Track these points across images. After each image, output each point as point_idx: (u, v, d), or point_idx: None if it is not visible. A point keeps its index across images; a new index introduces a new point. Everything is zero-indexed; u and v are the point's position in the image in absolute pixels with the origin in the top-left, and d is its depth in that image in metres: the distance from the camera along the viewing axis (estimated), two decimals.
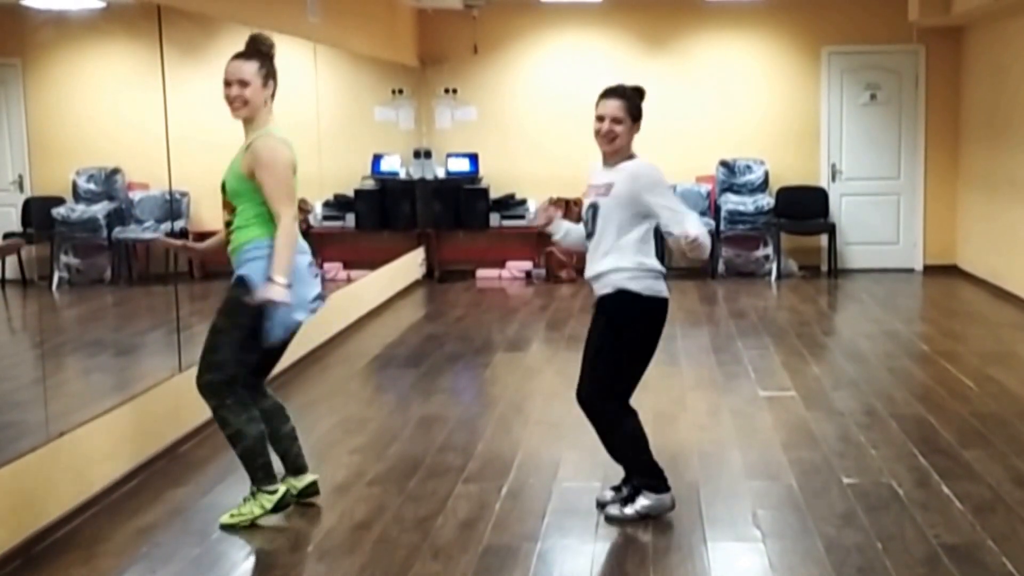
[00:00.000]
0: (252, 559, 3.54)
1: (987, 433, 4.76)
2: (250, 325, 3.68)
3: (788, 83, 9.96)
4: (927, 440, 4.66)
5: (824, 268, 9.78)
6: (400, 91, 9.71)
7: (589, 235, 3.77)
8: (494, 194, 9.94)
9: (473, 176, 9.89)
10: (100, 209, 5.83)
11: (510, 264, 9.88)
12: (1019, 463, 4.33)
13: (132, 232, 6.16)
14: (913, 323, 7.68)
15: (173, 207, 5.94)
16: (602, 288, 3.71)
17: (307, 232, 8.14)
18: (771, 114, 9.99)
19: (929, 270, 9.96)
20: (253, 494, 3.80)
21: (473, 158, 9.92)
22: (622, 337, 3.70)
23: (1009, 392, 5.52)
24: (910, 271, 9.96)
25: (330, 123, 8.05)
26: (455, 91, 10.06)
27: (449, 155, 9.94)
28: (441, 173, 9.91)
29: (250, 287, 3.68)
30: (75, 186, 5.67)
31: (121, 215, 6.04)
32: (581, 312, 8.17)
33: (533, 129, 10.00)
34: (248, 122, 3.76)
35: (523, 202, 9.94)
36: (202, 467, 4.49)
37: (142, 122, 5.27)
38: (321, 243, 8.36)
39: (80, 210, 5.67)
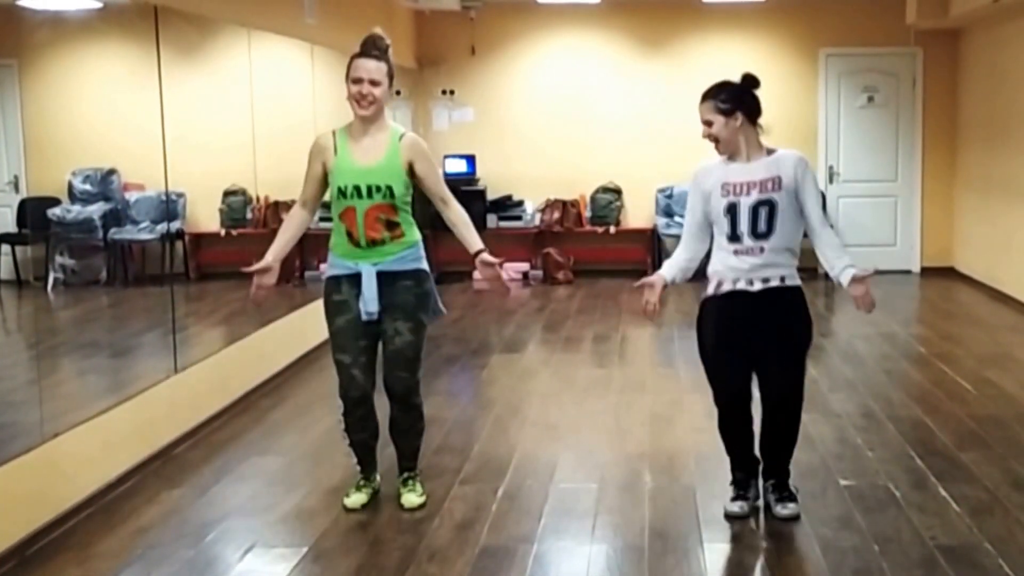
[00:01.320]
0: (247, 560, 3.53)
1: (984, 435, 4.75)
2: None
3: (785, 85, 9.96)
4: (924, 442, 4.66)
5: (821, 270, 9.77)
6: (397, 92, 9.67)
7: (757, 235, 3.58)
8: (491, 195, 9.93)
9: (470, 177, 9.89)
10: (96, 210, 5.82)
11: (507, 265, 9.79)
12: (1016, 465, 4.33)
13: (128, 233, 6.15)
14: (910, 325, 7.68)
15: (169, 208, 5.93)
16: (771, 283, 3.62)
17: (304, 233, 8.15)
18: (768, 116, 9.91)
19: (926, 272, 9.96)
20: (415, 477, 3.98)
21: (470, 159, 9.92)
22: (808, 331, 3.72)
23: (1006, 394, 5.52)
24: (907, 273, 9.97)
25: (327, 124, 8.02)
26: (452, 92, 10.06)
27: (446, 156, 9.93)
28: None
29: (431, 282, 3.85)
30: (71, 187, 5.66)
31: (117, 216, 6.02)
32: (578, 313, 8.17)
33: (530, 130, 10.00)
34: (369, 120, 3.75)
35: (520, 203, 9.94)
36: (197, 469, 4.47)
37: (138, 123, 5.27)
38: (318, 244, 8.34)
39: (76, 211, 5.66)
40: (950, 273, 9.80)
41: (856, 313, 3.79)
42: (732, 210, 3.61)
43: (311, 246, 8.31)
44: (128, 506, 4.01)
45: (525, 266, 9.97)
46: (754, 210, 3.58)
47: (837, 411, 5.21)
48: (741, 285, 3.63)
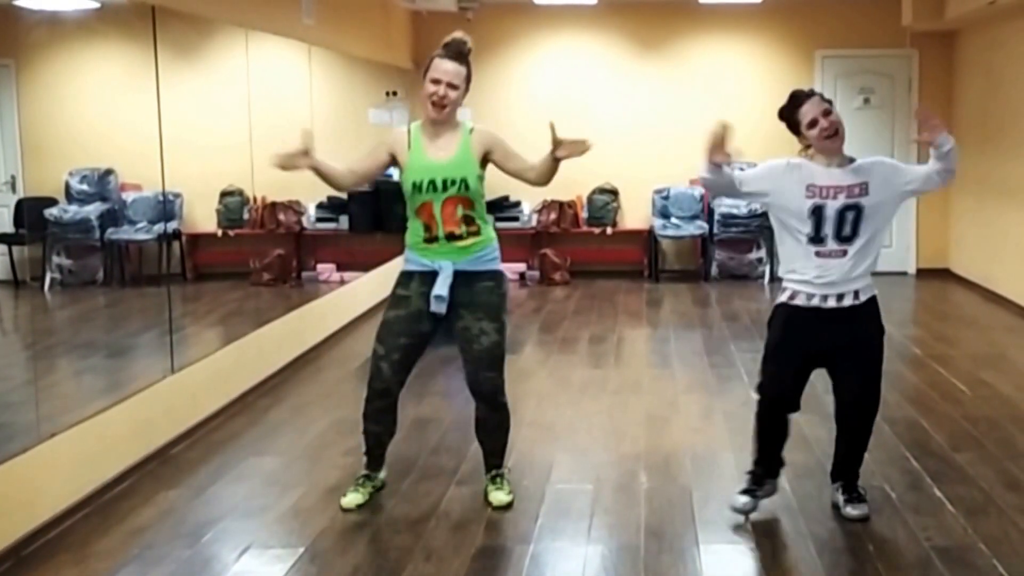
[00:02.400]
0: (244, 561, 3.53)
1: (979, 436, 4.77)
2: None
3: (782, 87, 9.84)
4: (919, 443, 4.68)
5: None
6: (394, 93, 9.71)
7: (842, 238, 3.58)
8: (488, 196, 9.79)
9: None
10: (93, 210, 5.82)
11: (504, 266, 9.86)
12: (1011, 466, 4.34)
13: (125, 233, 6.15)
14: (905, 326, 7.69)
15: (166, 208, 5.93)
16: (860, 295, 3.62)
17: (300, 234, 8.18)
18: (765, 118, 9.93)
19: (922, 274, 9.99)
20: (504, 476, 3.99)
21: None
22: (882, 336, 3.72)
23: (1001, 395, 5.54)
24: (903, 274, 9.99)
25: (324, 125, 8.04)
26: None
27: None
28: None
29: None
30: (68, 187, 5.66)
31: (114, 216, 6.03)
32: (574, 315, 8.18)
33: (527, 131, 9.91)
34: (441, 122, 3.77)
35: (517, 204, 9.95)
36: (194, 469, 4.48)
37: (135, 123, 5.27)
38: (314, 245, 8.36)
39: (73, 211, 5.66)
40: (945, 275, 9.83)
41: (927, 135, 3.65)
42: (817, 212, 3.59)
43: (307, 247, 8.35)
44: (125, 506, 4.01)
45: (522, 267, 9.98)
46: (840, 214, 3.58)
47: (832, 412, 5.22)
48: (816, 302, 3.62)
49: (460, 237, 3.76)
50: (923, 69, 9.92)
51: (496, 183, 10.90)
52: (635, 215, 10.18)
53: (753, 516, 3.82)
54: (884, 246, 10.43)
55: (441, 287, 3.71)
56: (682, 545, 3.58)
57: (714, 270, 9.83)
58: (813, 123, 3.63)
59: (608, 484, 4.20)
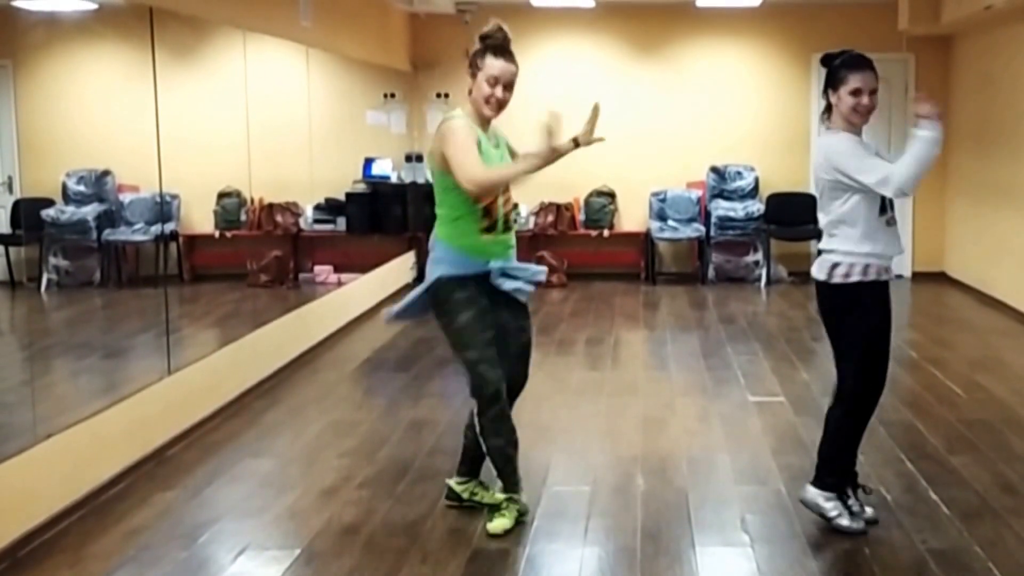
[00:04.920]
0: (240, 562, 3.53)
1: (974, 439, 4.78)
2: None
3: (778, 90, 10.00)
4: (915, 446, 4.68)
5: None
6: (392, 95, 9.72)
7: (893, 205, 3.65)
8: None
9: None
10: (90, 211, 5.82)
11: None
12: (1006, 469, 4.35)
13: (122, 234, 6.15)
14: (901, 329, 7.70)
15: (163, 209, 5.93)
16: (892, 272, 3.66)
17: (298, 235, 8.17)
18: (761, 120, 10.03)
19: (917, 277, 10.01)
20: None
21: None
22: None
23: (996, 398, 5.55)
24: (898, 277, 10.01)
25: (322, 126, 8.05)
26: (447, 95, 10.06)
27: None
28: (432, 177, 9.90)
29: None
30: (65, 188, 5.66)
31: (111, 217, 6.03)
32: (571, 317, 8.18)
33: (525, 133, 9.97)
34: (488, 121, 3.77)
35: (515, 206, 9.94)
36: (190, 470, 4.47)
37: (133, 124, 5.27)
38: (312, 246, 8.36)
39: (70, 212, 5.66)
40: (941, 278, 9.84)
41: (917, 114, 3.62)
42: None
43: (305, 249, 8.35)
44: (121, 507, 4.01)
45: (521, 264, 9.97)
46: None
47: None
48: (885, 276, 3.62)
49: (509, 228, 3.77)
50: (919, 73, 9.94)
51: None
52: (632, 218, 10.19)
53: (749, 518, 3.82)
54: None
55: (507, 275, 3.71)
56: (678, 547, 3.59)
57: (711, 273, 9.84)
58: (857, 92, 3.53)
59: (605, 486, 4.21)
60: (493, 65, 3.68)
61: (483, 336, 3.67)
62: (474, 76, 3.71)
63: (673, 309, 8.51)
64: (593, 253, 10.12)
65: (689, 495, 4.07)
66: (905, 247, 10.55)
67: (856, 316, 3.63)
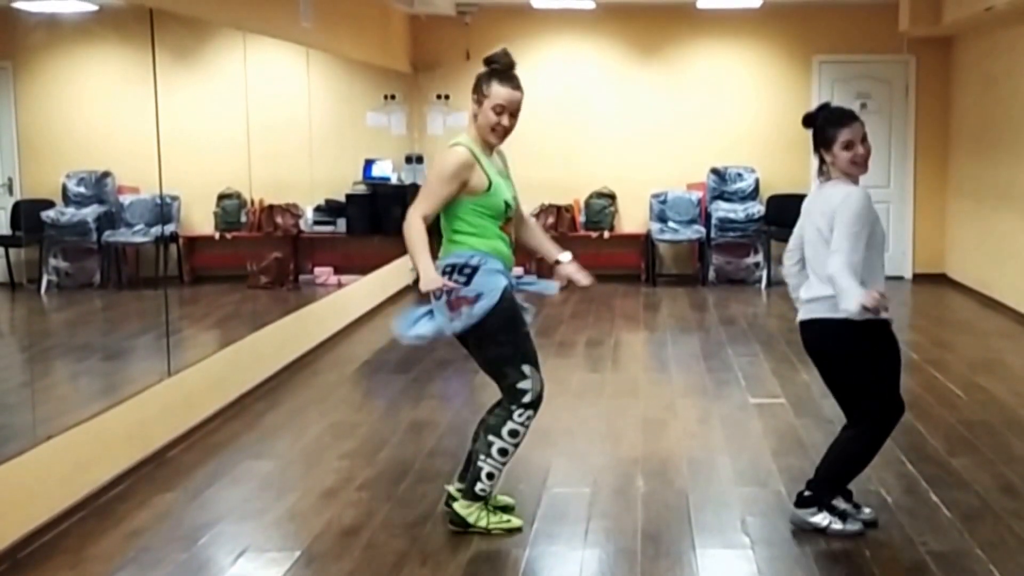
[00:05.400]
0: (240, 564, 3.53)
1: (975, 441, 4.78)
2: None
3: (779, 91, 10.00)
4: (915, 448, 4.68)
5: None
6: (392, 96, 9.72)
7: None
8: None
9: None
10: (90, 212, 5.81)
11: None
12: (1007, 471, 4.35)
13: (122, 236, 6.14)
14: (902, 331, 7.66)
15: (164, 211, 5.93)
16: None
17: (298, 236, 8.17)
18: (762, 122, 10.03)
19: (918, 278, 10.00)
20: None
21: None
22: None
23: (997, 400, 5.55)
24: (899, 279, 10.00)
25: (322, 128, 8.05)
26: (447, 97, 10.07)
27: None
28: None
29: None
30: (65, 189, 5.65)
31: (111, 219, 6.02)
32: (571, 318, 8.18)
33: (525, 135, 9.92)
34: (492, 146, 3.73)
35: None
36: (190, 472, 4.47)
37: (133, 126, 5.27)
38: (312, 248, 8.36)
39: (70, 213, 5.65)
40: (942, 279, 9.84)
41: None
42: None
43: (305, 250, 8.34)
44: (121, 509, 4.01)
45: (519, 271, 9.97)
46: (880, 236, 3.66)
47: (829, 416, 5.22)
48: (884, 314, 3.60)
49: (507, 244, 3.80)
50: (920, 75, 9.95)
51: None
52: (632, 219, 10.19)
53: (749, 520, 3.82)
54: None
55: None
56: (679, 549, 3.58)
57: (711, 274, 9.84)
58: (849, 145, 3.55)
59: (605, 488, 4.20)
60: (499, 93, 3.62)
61: (534, 347, 3.77)
62: (479, 103, 3.64)
63: (673, 311, 8.50)
64: (593, 255, 10.03)
65: (689, 497, 4.06)
66: (906, 249, 10.62)
67: (883, 347, 3.68)
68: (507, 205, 3.71)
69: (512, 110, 3.66)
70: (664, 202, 9.97)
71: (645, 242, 10.01)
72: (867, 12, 9.71)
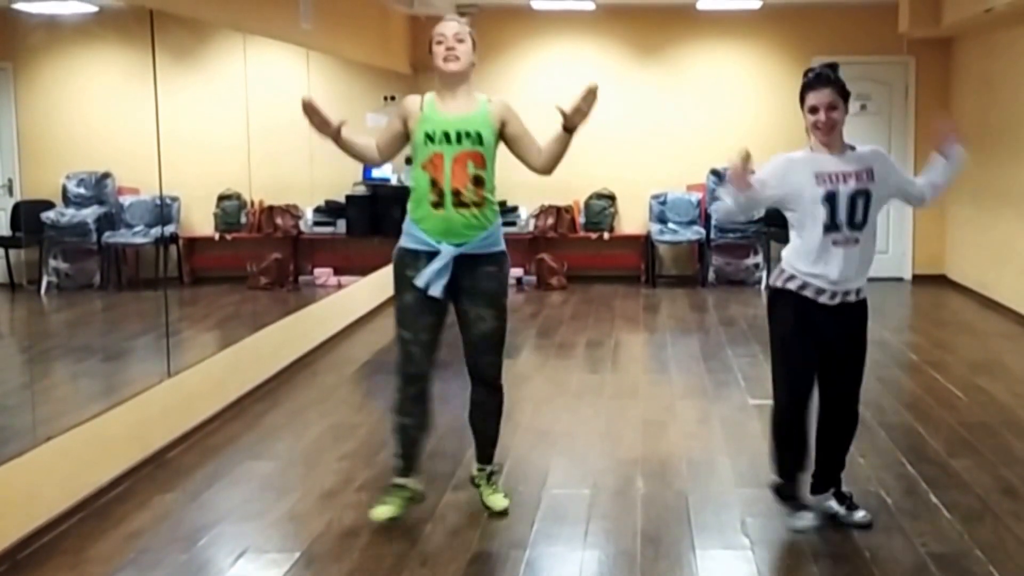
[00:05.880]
0: (240, 565, 3.53)
1: (975, 442, 4.78)
2: None
3: (779, 92, 9.98)
4: (915, 449, 4.68)
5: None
6: (392, 98, 9.71)
7: (854, 225, 3.55)
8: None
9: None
10: (90, 213, 5.81)
11: None
12: (1007, 472, 4.35)
13: (122, 237, 6.15)
14: (902, 332, 7.70)
15: (163, 212, 5.93)
16: (860, 293, 3.62)
17: (298, 237, 8.17)
18: (762, 123, 10.02)
19: (918, 280, 10.00)
20: (497, 473, 4.01)
21: None
22: (866, 339, 3.71)
23: (997, 401, 5.54)
24: (899, 280, 10.01)
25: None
26: None
27: None
28: None
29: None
30: (65, 190, 5.66)
31: (111, 219, 6.02)
32: (571, 319, 8.18)
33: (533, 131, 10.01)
34: (456, 80, 3.75)
35: (514, 209, 9.95)
36: (190, 473, 4.47)
37: (133, 127, 5.27)
38: (312, 249, 8.36)
39: (70, 214, 5.65)
40: (942, 281, 9.84)
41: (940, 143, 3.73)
42: (831, 199, 3.56)
43: (305, 251, 8.35)
44: (121, 510, 4.01)
45: (519, 272, 9.98)
46: (852, 199, 3.57)
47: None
48: (824, 299, 3.59)
49: (465, 204, 3.63)
50: (920, 76, 9.95)
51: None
52: (632, 220, 10.19)
53: (749, 521, 3.82)
54: (880, 252, 10.51)
55: (436, 282, 3.61)
56: (678, 551, 3.58)
57: (711, 275, 9.84)
58: (813, 110, 3.66)
59: (604, 489, 4.20)
60: (437, 29, 3.76)
61: (422, 320, 3.69)
62: (431, 51, 3.75)
63: (673, 312, 8.50)
64: (593, 256, 10.12)
65: (689, 498, 4.06)
66: (905, 250, 10.62)
67: (773, 323, 3.74)
68: (426, 136, 3.64)
69: (453, 33, 3.72)
70: (664, 203, 9.97)
71: (645, 243, 10.01)
72: (867, 13, 9.71)
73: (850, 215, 3.57)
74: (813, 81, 3.70)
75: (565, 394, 5.91)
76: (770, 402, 5.69)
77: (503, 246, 3.82)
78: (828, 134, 3.63)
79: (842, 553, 3.54)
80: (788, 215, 3.71)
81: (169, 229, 6.24)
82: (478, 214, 3.67)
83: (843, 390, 3.69)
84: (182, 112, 5.52)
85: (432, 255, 3.65)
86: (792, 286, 3.63)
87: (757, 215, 3.95)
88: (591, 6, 9.63)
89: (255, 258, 7.45)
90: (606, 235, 9.99)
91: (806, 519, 3.70)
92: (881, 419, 5.18)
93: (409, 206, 3.73)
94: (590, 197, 10.08)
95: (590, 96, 3.67)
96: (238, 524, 3.89)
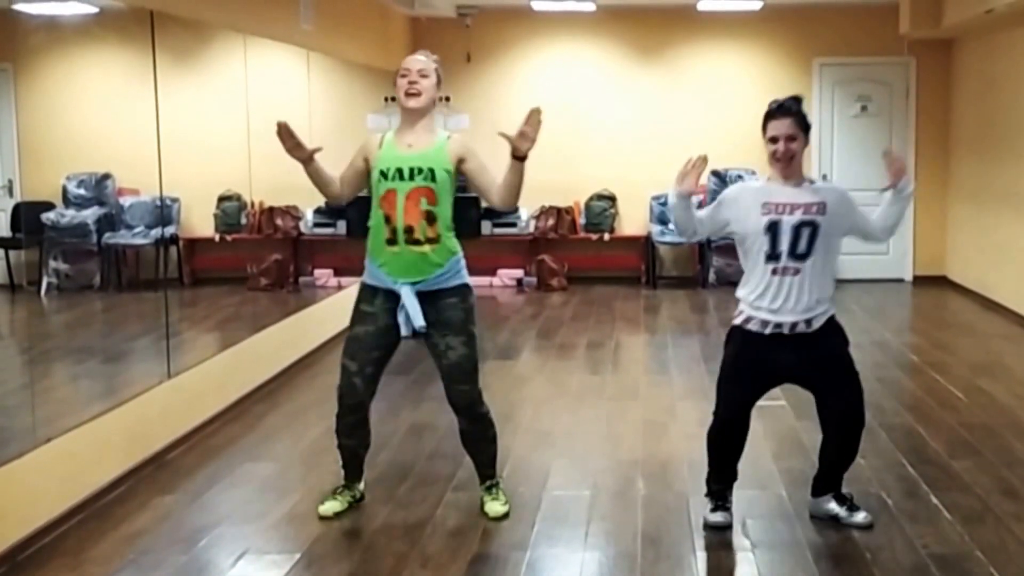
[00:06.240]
0: (240, 567, 3.52)
1: (976, 444, 4.77)
2: None
3: (779, 94, 9.84)
4: (916, 450, 4.67)
5: None
6: (393, 99, 9.67)
7: (796, 255, 3.57)
8: (486, 202, 9.93)
9: (465, 184, 9.88)
10: (90, 214, 5.82)
11: (501, 272, 9.88)
12: (1008, 474, 4.34)
13: (122, 238, 6.15)
14: (902, 333, 7.70)
15: (164, 213, 5.93)
16: (813, 323, 3.61)
17: (298, 239, 8.17)
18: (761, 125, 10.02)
19: (919, 281, 9.99)
20: (498, 485, 3.98)
21: None
22: (847, 345, 3.73)
23: (998, 403, 5.54)
24: (900, 282, 10.00)
25: (322, 130, 8.03)
26: (448, 99, 10.06)
27: None
28: None
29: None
30: (65, 191, 5.66)
31: (111, 221, 6.03)
32: (572, 321, 8.18)
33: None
34: (417, 115, 3.77)
35: (515, 210, 9.95)
36: (190, 474, 4.47)
37: (133, 128, 5.27)
38: (312, 250, 8.36)
39: (70, 215, 5.65)
40: (942, 282, 9.83)
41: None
42: (773, 228, 3.59)
43: (305, 252, 8.34)
44: (121, 511, 4.00)
45: (519, 273, 9.98)
46: (796, 230, 3.58)
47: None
48: (769, 330, 3.61)
49: (419, 241, 3.68)
50: (920, 77, 9.95)
51: None
52: (633, 221, 10.18)
53: (750, 523, 3.81)
54: (881, 253, 10.50)
55: (414, 314, 3.66)
56: (679, 552, 3.58)
57: (712, 277, 9.83)
58: (773, 140, 3.66)
59: (605, 491, 4.20)
60: (403, 63, 3.78)
61: (370, 354, 3.78)
62: (395, 83, 3.79)
63: (674, 313, 8.50)
64: (594, 257, 10.11)
65: (690, 499, 4.06)
66: (906, 251, 10.61)
67: (725, 350, 3.81)
68: (381, 174, 3.71)
69: (418, 69, 3.74)
70: (664, 204, 9.96)
71: (645, 244, 10.00)
72: (867, 14, 9.71)
73: (792, 245, 3.58)
74: (775, 111, 3.70)
75: (566, 395, 5.90)
76: (770, 404, 5.70)
77: (465, 279, 3.82)
78: (787, 165, 3.64)
79: (843, 554, 3.53)
80: (738, 249, 3.76)
81: (169, 230, 6.25)
82: (430, 252, 3.70)
83: (840, 408, 3.69)
84: (182, 113, 5.52)
85: (390, 293, 3.73)
86: (738, 321, 3.72)
87: (699, 237, 3.92)
88: (591, 7, 9.63)
89: (255, 259, 7.45)
90: (607, 236, 9.98)
91: (719, 517, 3.76)
92: (882, 420, 5.17)
93: (368, 244, 3.83)
94: (591, 198, 10.08)
95: (534, 119, 3.66)
96: (238, 525, 3.89)
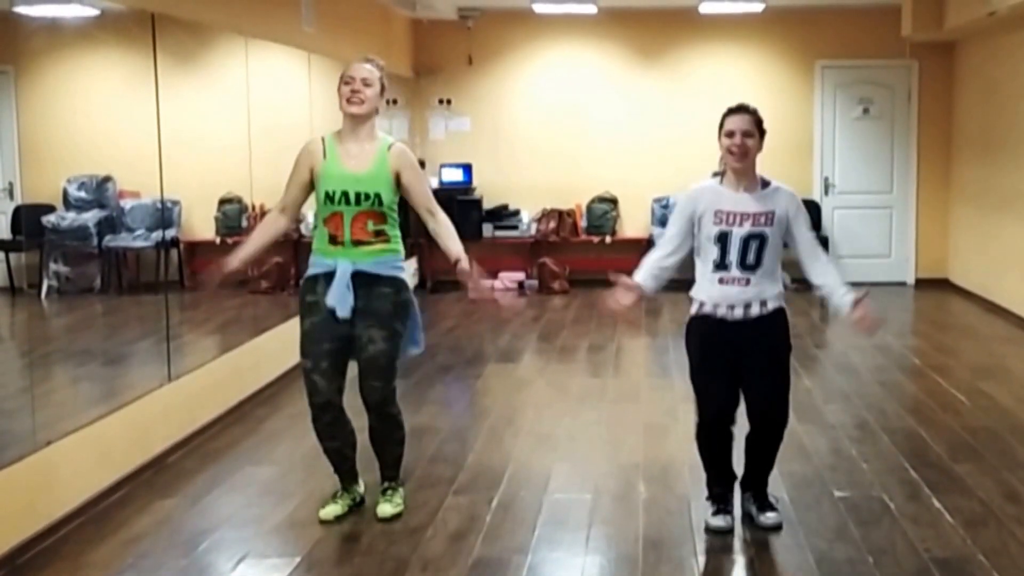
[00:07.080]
0: (240, 570, 3.51)
1: (978, 447, 4.76)
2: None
3: (781, 96, 9.98)
4: (918, 454, 4.66)
5: None
6: (394, 101, 9.70)
7: (746, 267, 3.62)
8: (487, 205, 9.93)
9: (467, 187, 9.89)
10: (91, 217, 5.80)
11: (503, 275, 9.87)
12: (1010, 477, 4.33)
13: (123, 240, 6.14)
14: (905, 336, 7.69)
15: (164, 216, 5.92)
16: (763, 310, 3.65)
17: (298, 241, 8.15)
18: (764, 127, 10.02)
19: (921, 284, 9.98)
20: (394, 487, 3.98)
21: (467, 168, 9.92)
22: (788, 346, 3.76)
23: (1000, 406, 5.53)
24: (902, 285, 9.98)
25: (323, 132, 8.04)
26: (449, 102, 10.07)
27: (443, 165, 9.94)
28: (435, 183, 9.90)
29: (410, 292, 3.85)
30: (66, 194, 5.64)
31: (112, 223, 6.01)
32: (573, 323, 8.17)
33: (527, 140, 10.01)
34: (359, 122, 3.77)
35: (516, 213, 9.95)
36: (190, 478, 4.46)
37: (134, 130, 5.27)
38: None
39: (70, 218, 5.64)
40: (944, 285, 9.82)
41: (850, 324, 3.81)
42: (723, 239, 3.63)
43: (305, 255, 8.33)
44: (120, 515, 4.00)
45: (521, 276, 9.97)
46: (745, 242, 3.61)
47: (831, 422, 5.22)
48: (722, 312, 3.66)
49: (368, 243, 3.74)
50: (922, 80, 9.94)
51: (495, 191, 10.92)
52: (634, 224, 10.18)
53: (751, 526, 3.80)
54: (883, 256, 10.48)
55: (339, 296, 3.66)
56: (680, 555, 3.57)
57: None
58: (730, 134, 3.67)
59: (606, 494, 4.19)
60: (347, 70, 3.81)
61: (320, 347, 3.74)
62: (339, 90, 3.81)
63: (675, 316, 8.47)
64: (595, 259, 10.09)
65: (691, 502, 4.05)
66: (908, 254, 10.60)
67: (687, 346, 3.85)
68: (327, 196, 3.71)
69: (362, 77, 3.76)
70: (666, 206, 9.94)
71: (647, 247, 9.94)
72: (869, 17, 9.70)
73: (742, 257, 3.62)
74: (733, 109, 3.76)
75: (567, 398, 5.90)
76: None
77: (403, 276, 3.83)
78: (741, 160, 3.65)
79: (845, 557, 3.52)
80: (694, 243, 3.75)
81: (170, 233, 6.23)
82: (378, 246, 3.75)
83: (763, 396, 3.70)
84: (183, 115, 5.52)
85: (330, 275, 3.71)
86: (693, 310, 3.75)
87: (687, 248, 3.91)
88: (593, 10, 9.63)
89: (256, 262, 7.42)
90: (608, 239, 9.97)
91: (720, 521, 3.75)
92: (883, 423, 5.16)
93: (313, 245, 3.84)
94: (592, 201, 10.07)
95: (478, 287, 3.84)
96: (238, 529, 3.88)
